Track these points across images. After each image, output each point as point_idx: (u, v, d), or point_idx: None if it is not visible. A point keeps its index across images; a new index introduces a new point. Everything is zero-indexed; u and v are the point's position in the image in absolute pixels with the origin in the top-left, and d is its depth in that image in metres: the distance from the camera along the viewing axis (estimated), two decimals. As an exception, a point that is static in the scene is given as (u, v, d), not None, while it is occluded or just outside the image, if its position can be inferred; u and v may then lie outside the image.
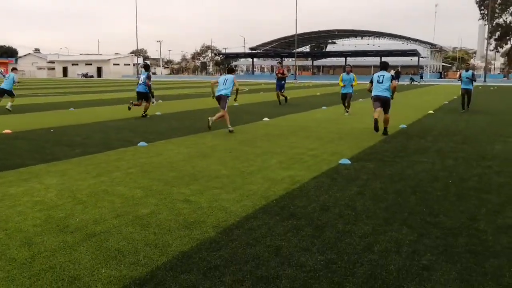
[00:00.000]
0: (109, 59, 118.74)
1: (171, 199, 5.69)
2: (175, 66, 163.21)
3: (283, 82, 21.59)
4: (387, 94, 11.20)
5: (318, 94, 32.05)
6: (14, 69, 19.74)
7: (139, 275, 3.60)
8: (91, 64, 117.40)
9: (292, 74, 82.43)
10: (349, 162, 7.84)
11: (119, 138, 10.87)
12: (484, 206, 5.35)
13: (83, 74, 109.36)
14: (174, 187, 6.24)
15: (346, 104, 16.79)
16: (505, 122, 14.19)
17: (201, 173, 7.08)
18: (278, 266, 3.75)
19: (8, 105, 17.73)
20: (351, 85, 16.67)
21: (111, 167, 7.57)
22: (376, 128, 10.87)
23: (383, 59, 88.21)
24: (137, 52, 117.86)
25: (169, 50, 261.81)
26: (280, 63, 24.43)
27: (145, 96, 15.91)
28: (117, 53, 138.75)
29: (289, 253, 4.02)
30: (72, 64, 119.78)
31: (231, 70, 12.90)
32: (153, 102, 19.12)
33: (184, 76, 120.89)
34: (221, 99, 11.86)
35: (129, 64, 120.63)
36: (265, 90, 37.32)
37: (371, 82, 11.52)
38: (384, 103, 11.15)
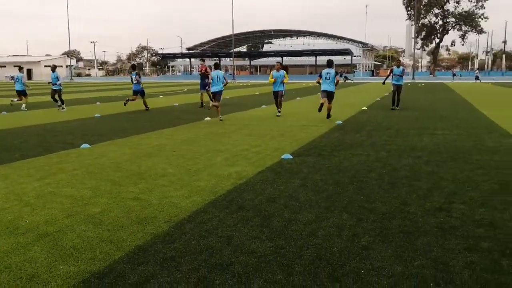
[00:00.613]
0: (39, 61, 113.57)
1: (121, 197, 5.79)
2: (111, 68, 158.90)
3: (206, 80, 19.39)
4: (333, 88, 14.44)
5: (257, 93, 32.54)
6: (21, 69, 21.49)
7: (97, 269, 3.72)
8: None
9: (231, 74, 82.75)
10: (291, 157, 8.22)
11: (59, 141, 10.66)
12: (415, 192, 5.88)
13: (11, 77, 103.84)
14: (123, 186, 6.32)
15: (278, 104, 16.13)
16: (432, 117, 15.21)
17: (147, 172, 7.19)
18: (230, 254, 4.00)
19: (22, 106, 20.14)
20: (282, 82, 15.84)
21: (54, 169, 7.49)
22: (320, 109, 14.55)
23: (318, 58, 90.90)
24: (70, 54, 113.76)
25: (104, 51, 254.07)
26: (203, 60, 22.22)
27: (141, 92, 18.95)
28: (48, 54, 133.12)
29: (240, 241, 4.28)
30: (0, 66, 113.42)
31: (217, 66, 15.33)
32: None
33: (120, 77, 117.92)
34: (218, 94, 14.63)
35: (61, 66, 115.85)
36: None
37: (320, 76, 14.65)
38: (329, 95, 14.41)
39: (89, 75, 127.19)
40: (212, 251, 4.06)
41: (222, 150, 9.11)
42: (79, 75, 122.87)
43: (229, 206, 5.38)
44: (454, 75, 63.25)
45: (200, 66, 21.27)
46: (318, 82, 14.77)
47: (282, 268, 3.70)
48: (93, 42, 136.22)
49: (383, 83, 20.66)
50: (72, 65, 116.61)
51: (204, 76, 20.06)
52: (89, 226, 4.74)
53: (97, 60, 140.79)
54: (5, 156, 8.73)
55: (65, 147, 9.71)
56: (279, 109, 16.02)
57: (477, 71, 66.06)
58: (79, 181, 6.69)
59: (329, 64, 14.63)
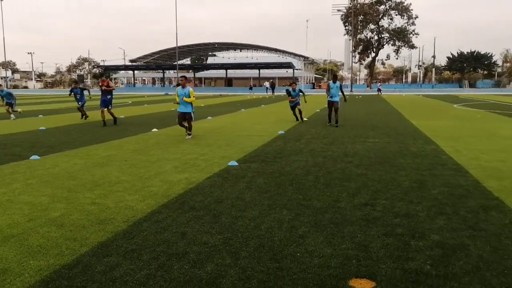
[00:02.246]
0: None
1: (79, 203, 6.19)
2: (49, 80, 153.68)
3: (109, 96, 17.41)
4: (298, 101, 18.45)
5: (202, 105, 33.06)
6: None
7: (66, 262, 4.17)
8: None
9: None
10: (236, 164, 8.87)
11: (6, 153, 10.74)
12: (345, 191, 6.69)
13: None
14: (79, 193, 6.71)
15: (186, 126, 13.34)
16: (365, 126, 16.39)
17: (101, 180, 7.59)
18: (185, 245, 4.57)
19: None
20: (183, 100, 12.89)
21: (8, 179, 7.71)
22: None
23: (262, 71, 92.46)
24: (5, 64, 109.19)
25: (42, 63, 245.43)
26: (102, 74, 20.87)
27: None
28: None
29: (193, 235, 4.85)
30: None
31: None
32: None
33: (60, 90, 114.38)
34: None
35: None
36: (149, 102, 37.45)
37: (288, 92, 18.38)
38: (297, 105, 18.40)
39: (26, 87, 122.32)
40: (169, 244, 4.61)
41: (171, 159, 9.62)
42: (15, 87, 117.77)
43: (181, 207, 5.94)
44: (379, 90, 66.23)
45: (100, 80, 18.59)
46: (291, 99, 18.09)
47: (230, 254, 4.32)
48: (30, 53, 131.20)
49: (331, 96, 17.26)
50: (8, 77, 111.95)
51: (106, 91, 17.47)
52: (52, 228, 5.14)
53: (34, 71, 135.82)
54: (-48, 168, 8.79)
55: (14, 158, 9.85)
56: (188, 132, 13.26)
57: (379, 84, 70.62)
58: (34, 189, 6.99)
59: (293, 81, 19.00)
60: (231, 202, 6.15)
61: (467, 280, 3.72)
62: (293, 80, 18.55)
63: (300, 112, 18.72)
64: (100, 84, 18.12)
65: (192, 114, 13.19)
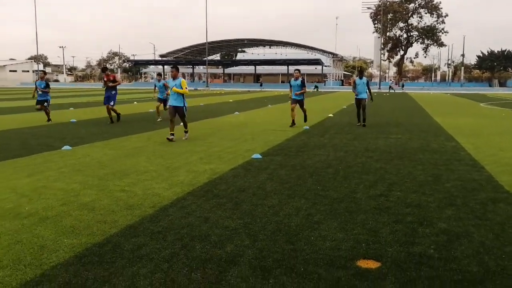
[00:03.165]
0: (4, 65, 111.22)
1: (108, 190, 6.58)
2: (80, 73, 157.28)
3: (113, 92, 16.16)
4: (302, 97, 15.22)
5: (231, 100, 33.51)
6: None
7: (97, 241, 4.54)
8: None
9: (204, 82, 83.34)
10: (260, 156, 9.17)
11: (40, 143, 11.28)
12: (362, 183, 6.92)
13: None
14: (109, 181, 7.12)
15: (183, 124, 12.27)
16: (390, 123, 16.47)
17: (130, 170, 7.99)
18: (208, 229, 4.88)
19: None
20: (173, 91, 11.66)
21: (41, 168, 8.19)
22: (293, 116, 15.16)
23: (290, 67, 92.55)
24: (37, 58, 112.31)
25: (73, 57, 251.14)
26: (106, 68, 17.21)
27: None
28: (12, 59, 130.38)
29: (215, 220, 5.17)
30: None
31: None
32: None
33: (90, 83, 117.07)
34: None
35: (28, 71, 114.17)
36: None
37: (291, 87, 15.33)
38: (299, 102, 15.18)
39: (57, 80, 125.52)
40: (192, 227, 4.94)
41: (197, 151, 9.99)
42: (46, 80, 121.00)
43: (206, 195, 6.26)
44: (390, 87, 65.05)
45: (104, 75, 16.49)
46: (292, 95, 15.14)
47: (249, 237, 4.61)
48: (62, 47, 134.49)
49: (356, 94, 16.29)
50: (39, 70, 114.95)
51: (111, 87, 16.08)
52: (84, 212, 5.53)
53: (65, 65, 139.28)
54: (-9, 156, 9.35)
55: (47, 148, 10.36)
56: (185, 129, 12.22)
57: (391, 81, 69.63)
58: (67, 177, 7.43)
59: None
60: (253, 191, 6.45)
61: (466, 262, 3.97)
62: (297, 69, 14.94)
63: (304, 113, 15.50)
64: (104, 79, 16.31)
65: (184, 109, 11.75)
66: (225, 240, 4.53)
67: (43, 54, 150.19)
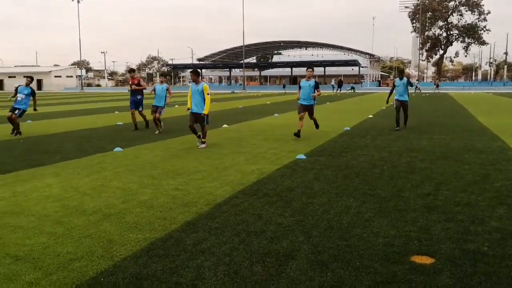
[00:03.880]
0: (50, 71, 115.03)
1: (163, 189, 6.92)
2: (120, 78, 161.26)
3: (139, 96, 15.30)
4: (312, 103, 12.75)
5: (268, 103, 33.81)
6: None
7: (160, 236, 4.84)
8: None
9: (241, 84, 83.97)
10: (304, 157, 9.36)
11: (92, 145, 11.82)
12: (409, 182, 7.01)
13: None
14: (162, 180, 7.47)
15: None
16: (431, 124, 16.32)
17: (181, 170, 8.34)
18: (262, 225, 5.12)
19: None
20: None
21: (97, 168, 8.64)
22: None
23: (327, 69, 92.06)
24: (80, 64, 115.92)
25: (114, 61, 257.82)
26: (133, 70, 16.06)
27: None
28: (56, 65, 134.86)
29: (268, 217, 5.40)
30: (9, 77, 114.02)
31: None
32: None
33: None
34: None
35: (71, 76, 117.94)
36: (217, 100, 38.67)
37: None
38: (309, 110, 12.68)
39: (99, 85, 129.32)
40: (247, 223, 5.19)
41: (243, 152, 10.28)
42: (89, 85, 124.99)
43: (256, 193, 6.51)
44: (416, 87, 63.22)
45: (130, 78, 15.81)
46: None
47: (303, 233, 4.82)
48: (103, 52, 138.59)
49: (387, 102, 15.92)
50: (82, 76, 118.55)
51: (136, 90, 15.29)
52: (143, 209, 5.87)
53: (106, 70, 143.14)
54: (47, 158, 9.88)
55: (100, 150, 10.87)
56: (202, 139, 11.27)
57: (417, 82, 67.93)
58: (122, 177, 7.83)
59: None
60: (301, 190, 6.66)
61: (523, 260, 4.02)
62: (310, 67, 12.47)
63: (315, 121, 13.08)
64: (129, 82, 15.56)
65: (205, 116, 11.01)
66: (280, 236, 4.75)
67: (85, 60, 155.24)
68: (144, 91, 15.63)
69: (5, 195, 6.62)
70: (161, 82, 15.05)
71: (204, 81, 11.37)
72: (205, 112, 10.94)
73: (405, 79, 14.42)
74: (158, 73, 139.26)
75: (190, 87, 11.18)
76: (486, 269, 3.85)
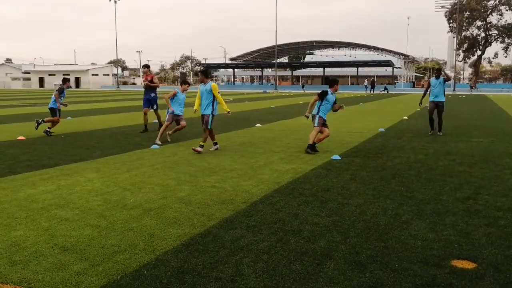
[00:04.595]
0: (87, 69, 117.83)
1: (200, 186, 7.05)
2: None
3: (153, 94, 14.36)
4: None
5: (301, 103, 33.71)
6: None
7: (198, 232, 4.95)
8: (68, 75, 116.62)
9: (272, 84, 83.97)
10: (339, 158, 9.34)
11: (130, 142, 12.10)
12: (447, 185, 6.91)
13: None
14: (199, 178, 7.60)
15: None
16: (469, 126, 15.98)
17: (217, 167, 8.46)
18: (299, 224, 5.16)
19: None
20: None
21: (136, 164, 8.85)
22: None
23: (360, 69, 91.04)
24: (116, 62, 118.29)
25: (148, 60, 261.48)
26: (147, 66, 14.93)
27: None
28: (93, 63, 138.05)
29: (305, 217, 5.44)
30: (49, 75, 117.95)
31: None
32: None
33: (164, 86, 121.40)
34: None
35: (108, 75, 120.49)
36: (250, 100, 38.86)
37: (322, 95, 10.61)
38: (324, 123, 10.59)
39: (134, 83, 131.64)
40: (284, 222, 5.24)
41: (277, 151, 10.33)
42: (124, 83, 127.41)
43: (292, 193, 6.56)
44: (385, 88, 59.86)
45: (144, 75, 14.84)
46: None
47: (340, 234, 4.84)
48: (139, 51, 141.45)
49: (420, 103, 14.38)
50: (118, 74, 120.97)
51: (149, 88, 14.35)
52: (182, 205, 6.00)
53: (141, 69, 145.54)
54: (87, 153, 10.18)
55: (138, 147, 11.11)
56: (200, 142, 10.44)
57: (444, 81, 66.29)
58: (161, 173, 8.00)
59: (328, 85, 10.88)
60: (337, 191, 6.66)
61: None
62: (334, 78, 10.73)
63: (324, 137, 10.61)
64: (143, 79, 14.67)
65: (210, 117, 10.31)
66: (317, 235, 4.79)
67: (121, 59, 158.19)
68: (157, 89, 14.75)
69: (51, 189, 6.88)
70: (184, 89, 12.29)
71: (211, 81, 10.53)
72: (226, 109, 10.56)
73: (441, 78, 13.23)
74: (191, 72, 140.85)
75: (199, 88, 10.56)
76: (530, 275, 3.79)
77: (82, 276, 3.82)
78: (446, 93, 13.64)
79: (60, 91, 14.10)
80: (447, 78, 13.35)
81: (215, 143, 10.80)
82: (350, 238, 4.68)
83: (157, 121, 14.71)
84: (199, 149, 10.22)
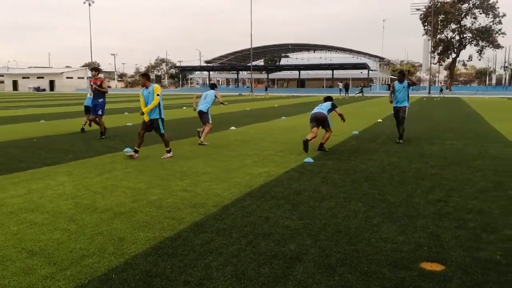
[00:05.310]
0: (62, 72, 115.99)
1: (172, 189, 6.95)
2: (129, 80, 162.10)
3: (100, 100, 13.56)
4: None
5: (276, 105, 33.79)
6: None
7: (169, 235, 4.87)
8: (43, 78, 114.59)
9: (248, 87, 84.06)
10: (312, 160, 9.34)
11: (103, 145, 11.91)
12: (419, 188, 6.97)
13: (35, 88, 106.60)
14: (171, 181, 7.50)
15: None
16: (443, 128, 16.21)
17: (189, 171, 8.36)
18: (270, 228, 5.12)
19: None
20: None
21: (108, 168, 8.69)
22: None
23: (335, 72, 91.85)
24: (91, 65, 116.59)
25: (123, 63, 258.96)
26: (96, 69, 13.80)
27: None
28: (68, 66, 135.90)
29: (275, 220, 5.40)
30: (23, 78, 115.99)
31: (213, 86, 13.08)
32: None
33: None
34: (201, 114, 12.30)
35: (83, 78, 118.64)
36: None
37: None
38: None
39: (109, 86, 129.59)
40: (255, 225, 5.19)
41: (251, 154, 10.29)
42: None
43: (264, 196, 6.52)
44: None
45: (91, 79, 13.80)
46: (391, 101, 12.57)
47: (310, 237, 4.82)
48: (113, 54, 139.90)
49: (391, 101, 12.88)
50: (92, 77, 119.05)
51: (98, 93, 13.52)
52: (153, 209, 5.90)
53: (116, 72, 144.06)
54: (60, 157, 9.97)
55: (111, 150, 10.94)
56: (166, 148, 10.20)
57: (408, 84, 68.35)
58: (132, 177, 7.88)
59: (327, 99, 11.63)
60: (309, 193, 6.65)
61: (537, 269, 3.98)
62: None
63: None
64: (91, 82, 13.66)
65: (160, 122, 9.95)
66: (287, 238, 4.75)
67: (96, 61, 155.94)
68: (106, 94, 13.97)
69: (21, 192, 6.74)
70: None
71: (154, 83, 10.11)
72: (146, 109, 9.80)
73: (406, 82, 12.32)
74: (166, 75, 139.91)
75: (141, 93, 10.05)
76: (498, 278, 3.82)
77: (49, 281, 3.75)
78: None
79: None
80: (412, 83, 12.71)
81: (169, 151, 10.11)
82: (320, 241, 4.66)
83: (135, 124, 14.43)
84: (168, 155, 9.99)
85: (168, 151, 10.09)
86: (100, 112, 13.51)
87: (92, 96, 13.88)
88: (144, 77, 10.14)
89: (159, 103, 9.85)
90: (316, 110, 11.18)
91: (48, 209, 5.85)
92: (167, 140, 10.13)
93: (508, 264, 4.08)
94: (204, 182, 7.42)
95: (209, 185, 7.19)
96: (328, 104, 11.27)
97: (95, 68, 13.78)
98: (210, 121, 12.35)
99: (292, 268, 4.00)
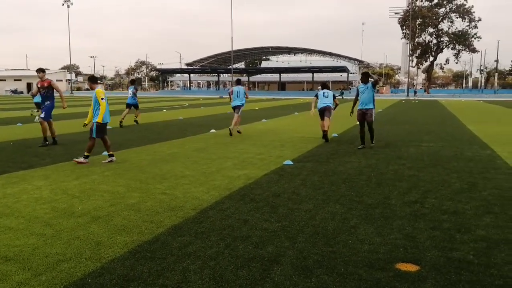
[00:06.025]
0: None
1: (151, 192, 6.92)
2: (109, 82, 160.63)
3: (48, 102, 12.50)
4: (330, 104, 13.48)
5: (256, 108, 33.85)
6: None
7: (146, 239, 4.85)
8: (20, 80, 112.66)
9: (228, 90, 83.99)
10: (291, 163, 9.40)
11: (81, 149, 11.67)
12: (396, 190, 7.07)
13: (11, 90, 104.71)
14: (150, 184, 7.46)
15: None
16: (421, 131, 16.46)
17: (168, 174, 8.33)
18: (248, 230, 5.14)
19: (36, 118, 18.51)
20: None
21: (86, 171, 8.60)
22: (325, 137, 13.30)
23: (316, 75, 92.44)
24: (70, 68, 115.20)
25: (103, 66, 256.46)
26: (42, 70, 12.54)
27: (135, 106, 19.45)
28: (46, 68, 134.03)
29: (254, 222, 5.42)
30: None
31: (238, 82, 15.63)
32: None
33: (119, 92, 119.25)
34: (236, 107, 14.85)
35: (61, 80, 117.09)
36: (205, 105, 38.72)
37: (316, 96, 13.80)
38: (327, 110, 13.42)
39: (88, 89, 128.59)
40: (233, 228, 5.21)
41: (230, 157, 10.29)
42: (78, 89, 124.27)
43: (242, 198, 6.53)
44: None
45: (39, 80, 12.61)
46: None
47: (288, 239, 4.85)
48: (93, 56, 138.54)
49: (351, 113, 12.88)
50: (72, 80, 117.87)
51: (47, 96, 12.51)
52: (131, 212, 5.86)
53: (96, 74, 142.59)
54: (36, 161, 9.83)
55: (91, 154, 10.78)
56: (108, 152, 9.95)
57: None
58: (111, 180, 7.81)
59: (324, 85, 14.23)
60: (288, 196, 6.69)
61: (507, 268, 4.08)
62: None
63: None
64: (37, 84, 12.61)
65: (94, 125, 9.63)
66: (265, 241, 4.78)
67: (75, 64, 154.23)
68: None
69: (-6, 197, 6.60)
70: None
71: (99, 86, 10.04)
72: (98, 119, 9.55)
73: (369, 83, 11.74)
74: (146, 77, 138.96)
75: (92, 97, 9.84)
76: (471, 277, 3.90)
77: (23, 287, 3.72)
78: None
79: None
80: (375, 82, 12.15)
81: (111, 155, 9.84)
82: (298, 243, 4.70)
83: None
84: (81, 159, 9.53)
85: (86, 157, 9.60)
86: (42, 115, 12.48)
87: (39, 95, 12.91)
88: (90, 80, 10.09)
89: (99, 107, 9.59)
90: (324, 103, 13.41)
91: (24, 214, 5.77)
92: (91, 146, 9.61)
93: (479, 264, 4.17)
94: (183, 185, 7.40)
95: (188, 188, 7.18)
96: (331, 96, 13.56)
97: (40, 69, 12.66)
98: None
99: (269, 271, 4.02)
